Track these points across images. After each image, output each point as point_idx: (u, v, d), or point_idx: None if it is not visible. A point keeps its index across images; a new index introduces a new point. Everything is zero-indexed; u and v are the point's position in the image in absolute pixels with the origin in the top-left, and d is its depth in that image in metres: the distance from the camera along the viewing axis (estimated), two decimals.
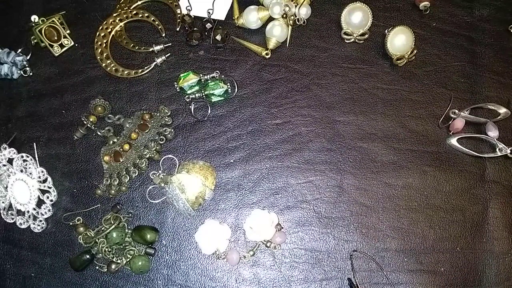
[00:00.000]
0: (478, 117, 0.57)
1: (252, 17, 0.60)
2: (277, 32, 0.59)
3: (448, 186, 0.56)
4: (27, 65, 0.62)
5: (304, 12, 0.60)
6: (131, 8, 0.63)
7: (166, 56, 0.61)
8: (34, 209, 0.56)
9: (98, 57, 0.61)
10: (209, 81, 0.59)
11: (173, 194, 0.54)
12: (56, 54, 0.62)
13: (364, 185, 0.56)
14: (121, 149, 0.57)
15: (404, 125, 0.58)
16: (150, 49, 0.61)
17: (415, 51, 0.59)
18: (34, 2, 0.65)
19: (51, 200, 0.56)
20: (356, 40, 0.61)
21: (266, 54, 0.60)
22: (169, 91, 0.60)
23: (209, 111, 0.59)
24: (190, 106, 0.59)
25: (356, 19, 0.60)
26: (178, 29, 0.62)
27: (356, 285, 0.52)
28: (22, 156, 0.57)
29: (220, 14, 0.62)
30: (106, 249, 0.54)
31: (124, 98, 0.60)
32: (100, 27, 0.62)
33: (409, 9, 0.63)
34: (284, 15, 0.60)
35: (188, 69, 0.60)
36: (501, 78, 0.60)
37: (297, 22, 0.60)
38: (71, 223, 0.56)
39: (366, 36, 0.60)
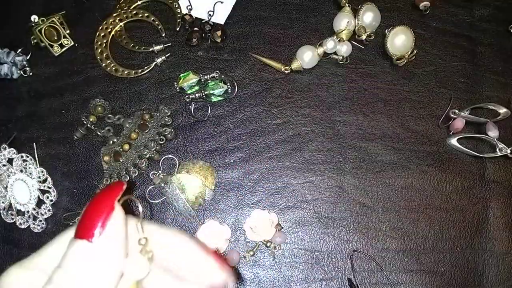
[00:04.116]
0: (478, 117, 0.57)
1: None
2: (307, 59, 0.58)
3: (448, 186, 0.56)
4: (27, 65, 0.61)
5: (344, 49, 0.59)
6: (131, 8, 0.63)
7: (166, 56, 0.61)
8: (34, 209, 0.56)
9: (98, 57, 0.61)
10: (209, 81, 0.59)
11: (173, 194, 0.54)
12: (56, 54, 0.62)
13: (364, 185, 0.56)
14: (121, 149, 0.57)
15: (404, 125, 0.58)
16: (150, 49, 0.61)
17: (415, 51, 0.59)
18: (34, 2, 0.65)
19: (51, 200, 0.56)
20: None
21: (286, 69, 0.59)
22: (169, 91, 0.60)
23: (209, 111, 0.59)
24: (190, 106, 0.59)
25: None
26: (178, 29, 0.62)
27: (356, 285, 0.52)
28: (22, 156, 0.57)
29: (220, 18, 0.62)
30: None
31: (124, 98, 0.60)
32: (100, 27, 0.62)
33: (409, 9, 0.63)
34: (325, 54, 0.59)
35: (188, 69, 0.60)
36: (501, 78, 0.60)
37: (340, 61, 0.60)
38: (71, 223, 0.56)
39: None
